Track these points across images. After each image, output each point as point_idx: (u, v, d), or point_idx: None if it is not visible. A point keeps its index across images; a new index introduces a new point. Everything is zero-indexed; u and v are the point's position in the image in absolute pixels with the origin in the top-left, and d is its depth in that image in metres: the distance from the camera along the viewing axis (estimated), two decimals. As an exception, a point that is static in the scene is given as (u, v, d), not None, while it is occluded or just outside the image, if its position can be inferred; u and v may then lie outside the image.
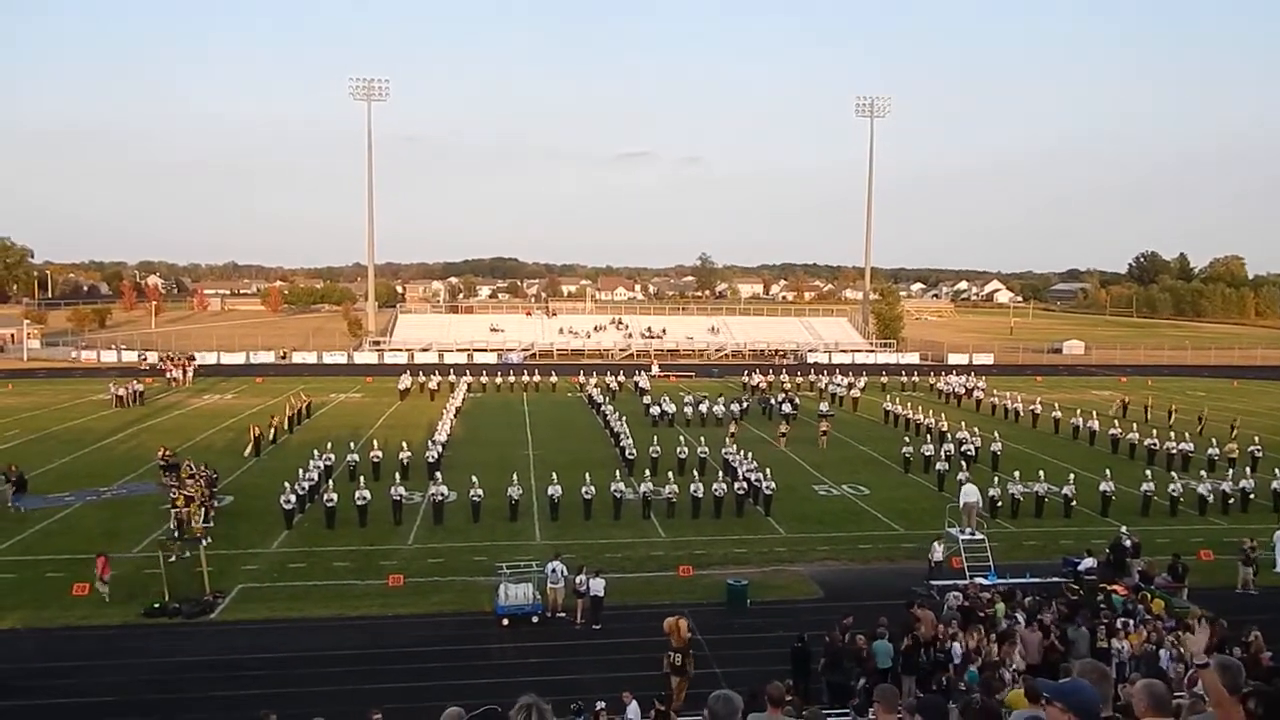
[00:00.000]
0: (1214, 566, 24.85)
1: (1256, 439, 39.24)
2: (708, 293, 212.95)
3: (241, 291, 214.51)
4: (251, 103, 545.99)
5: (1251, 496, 31.24)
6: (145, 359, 74.40)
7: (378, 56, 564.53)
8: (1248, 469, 34.80)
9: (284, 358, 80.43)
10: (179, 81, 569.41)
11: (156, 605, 21.26)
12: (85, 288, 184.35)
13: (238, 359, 78.33)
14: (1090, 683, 4.73)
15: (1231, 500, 31.05)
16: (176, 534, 26.11)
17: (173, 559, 23.20)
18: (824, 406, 49.23)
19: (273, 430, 41.73)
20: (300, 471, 30.65)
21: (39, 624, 20.54)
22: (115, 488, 32.92)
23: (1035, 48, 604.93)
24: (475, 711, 6.91)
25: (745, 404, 51.19)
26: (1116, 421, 43.07)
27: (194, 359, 69.27)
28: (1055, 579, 22.22)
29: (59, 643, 19.65)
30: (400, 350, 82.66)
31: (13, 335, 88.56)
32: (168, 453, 34.11)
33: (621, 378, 60.07)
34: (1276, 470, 32.51)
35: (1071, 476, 31.27)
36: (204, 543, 24.10)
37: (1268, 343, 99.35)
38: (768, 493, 30.42)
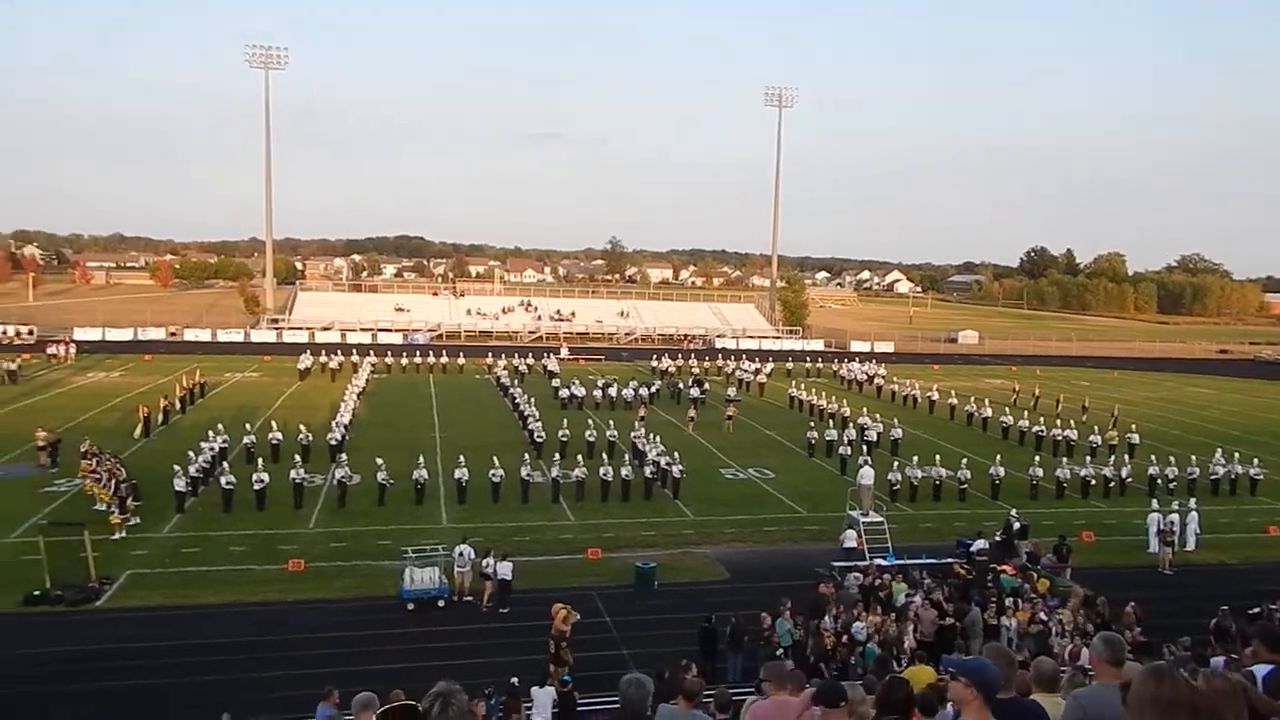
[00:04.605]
0: (1095, 547, 26.26)
1: (1134, 427, 41.54)
2: (617, 276, 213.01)
3: (128, 265, 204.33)
4: (139, 64, 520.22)
5: (1128, 481, 33.08)
6: None
7: (276, 23, 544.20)
8: (1126, 455, 36.83)
9: (175, 335, 77.02)
10: (59, 36, 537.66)
11: (37, 593, 20.18)
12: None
13: (124, 335, 74.55)
14: (995, 665, 4.85)
15: (1112, 484, 32.83)
16: (117, 510, 25.11)
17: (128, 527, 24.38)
18: (731, 391, 49.91)
19: (163, 410, 39.97)
20: (193, 453, 29.44)
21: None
22: (-11, 470, 31.09)
23: (941, 49, 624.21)
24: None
25: (654, 388, 51.49)
26: (1007, 409, 45.00)
27: (33, 330, 64.48)
28: (949, 559, 23.08)
29: (-72, 634, 18.43)
30: (300, 329, 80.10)
31: None
32: (45, 434, 32.42)
33: (530, 360, 59.67)
34: (1152, 456, 34.57)
35: (965, 461, 32.54)
36: (116, 516, 23.78)
37: (1145, 335, 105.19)
38: (676, 476, 30.69)
